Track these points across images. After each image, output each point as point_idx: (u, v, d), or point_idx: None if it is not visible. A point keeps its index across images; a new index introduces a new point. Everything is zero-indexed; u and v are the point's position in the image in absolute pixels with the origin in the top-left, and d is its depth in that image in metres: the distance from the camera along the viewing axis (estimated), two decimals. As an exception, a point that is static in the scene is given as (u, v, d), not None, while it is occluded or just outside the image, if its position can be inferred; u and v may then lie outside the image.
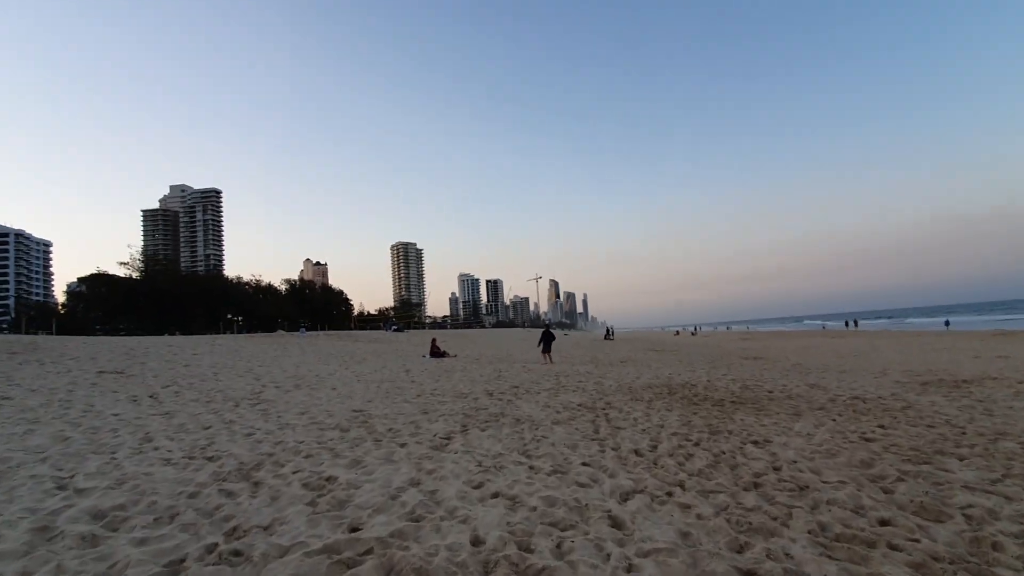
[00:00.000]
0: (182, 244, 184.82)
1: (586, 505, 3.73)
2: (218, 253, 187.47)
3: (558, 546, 3.10)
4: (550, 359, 18.76)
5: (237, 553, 2.98)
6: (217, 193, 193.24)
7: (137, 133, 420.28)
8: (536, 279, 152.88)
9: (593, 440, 5.88)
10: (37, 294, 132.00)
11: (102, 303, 63.27)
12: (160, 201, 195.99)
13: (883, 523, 3.44)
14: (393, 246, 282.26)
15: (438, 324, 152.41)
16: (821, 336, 45.41)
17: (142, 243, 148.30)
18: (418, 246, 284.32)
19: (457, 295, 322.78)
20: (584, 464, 4.85)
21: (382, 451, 5.27)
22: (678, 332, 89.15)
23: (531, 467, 4.76)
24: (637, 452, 5.32)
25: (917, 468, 4.60)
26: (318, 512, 3.61)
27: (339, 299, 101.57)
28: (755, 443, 5.68)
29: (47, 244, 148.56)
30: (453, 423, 6.82)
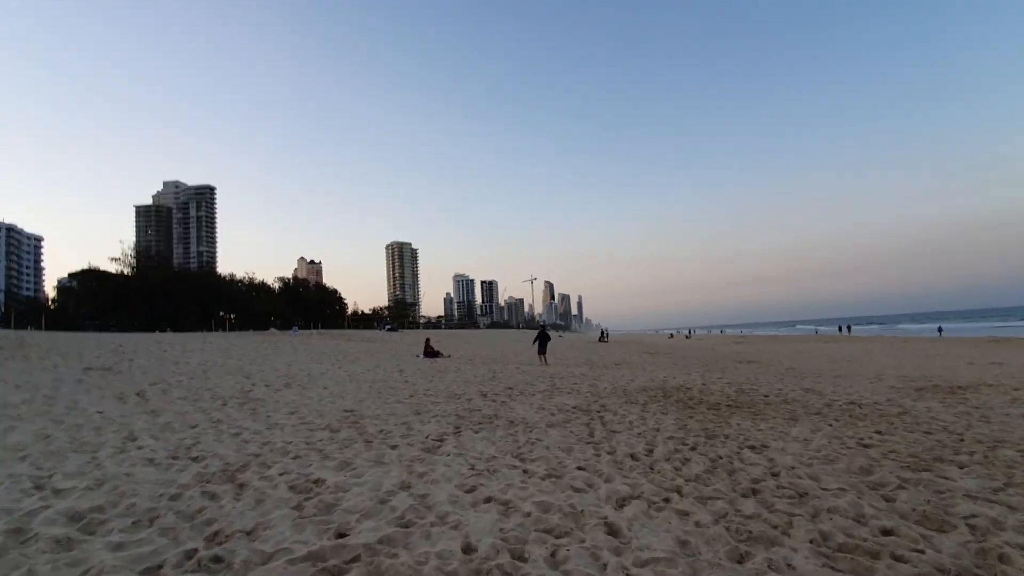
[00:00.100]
0: (175, 241, 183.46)
1: (581, 511, 3.62)
2: (211, 250, 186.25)
3: (552, 555, 2.99)
4: (545, 360, 18.66)
5: (217, 560, 2.86)
6: (211, 190, 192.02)
7: (131, 129, 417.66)
8: (531, 280, 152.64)
9: (588, 443, 5.78)
10: (28, 289, 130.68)
11: (93, 299, 62.65)
12: (153, 197, 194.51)
13: (886, 532, 3.35)
14: (388, 245, 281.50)
15: (432, 324, 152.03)
16: (814, 341, 45.56)
17: (134, 239, 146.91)
18: (413, 246, 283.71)
19: (452, 295, 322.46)
20: (579, 468, 4.74)
21: (372, 453, 5.14)
22: (672, 335, 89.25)
23: (525, 471, 4.64)
24: (633, 456, 5.22)
25: (917, 475, 4.52)
26: (304, 516, 3.48)
27: (333, 298, 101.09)
28: (752, 448, 5.59)
29: (38, 239, 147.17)
30: (446, 424, 6.70)
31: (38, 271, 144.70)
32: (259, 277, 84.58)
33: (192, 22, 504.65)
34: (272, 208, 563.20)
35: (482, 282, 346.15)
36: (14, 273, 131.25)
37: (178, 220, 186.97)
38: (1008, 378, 11.98)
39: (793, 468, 4.78)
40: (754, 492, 4.12)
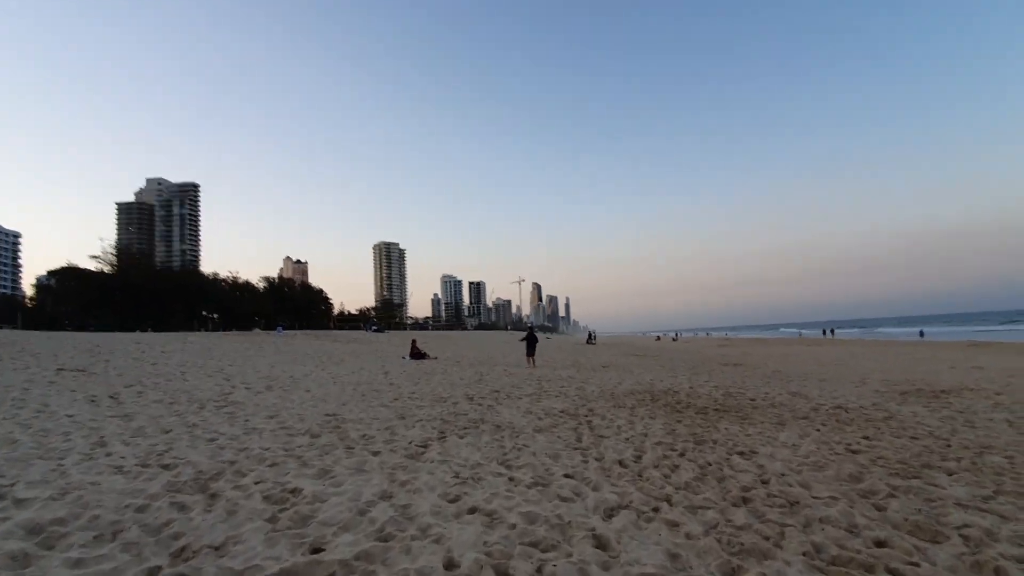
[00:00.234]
0: (157, 239, 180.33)
1: (569, 522, 3.49)
2: (194, 249, 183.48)
3: (539, 570, 2.86)
4: (533, 363, 18.55)
5: (181, 578, 2.68)
6: (195, 187, 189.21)
7: (114, 125, 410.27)
8: (519, 282, 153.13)
9: (576, 449, 5.66)
10: (4, 287, 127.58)
11: (72, 297, 61.38)
12: (136, 194, 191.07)
13: (879, 544, 3.28)
14: (375, 246, 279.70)
15: (419, 325, 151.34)
16: (798, 344, 46.02)
17: (115, 237, 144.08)
18: (401, 246, 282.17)
19: (439, 296, 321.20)
20: (567, 476, 4.62)
21: (353, 460, 4.97)
22: (659, 337, 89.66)
23: (511, 479, 4.51)
24: (621, 463, 5.12)
25: (907, 483, 4.47)
26: (278, 529, 3.31)
27: (319, 298, 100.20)
28: (741, 454, 5.52)
29: (15, 235, 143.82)
30: (430, 429, 6.54)
31: (15, 268, 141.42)
32: (244, 277, 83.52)
33: (178, 18, 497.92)
34: (258, 207, 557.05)
35: (470, 283, 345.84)
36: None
37: (161, 218, 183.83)
38: (989, 382, 12.11)
39: (783, 475, 4.71)
40: (745, 501, 4.03)
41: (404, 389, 10.60)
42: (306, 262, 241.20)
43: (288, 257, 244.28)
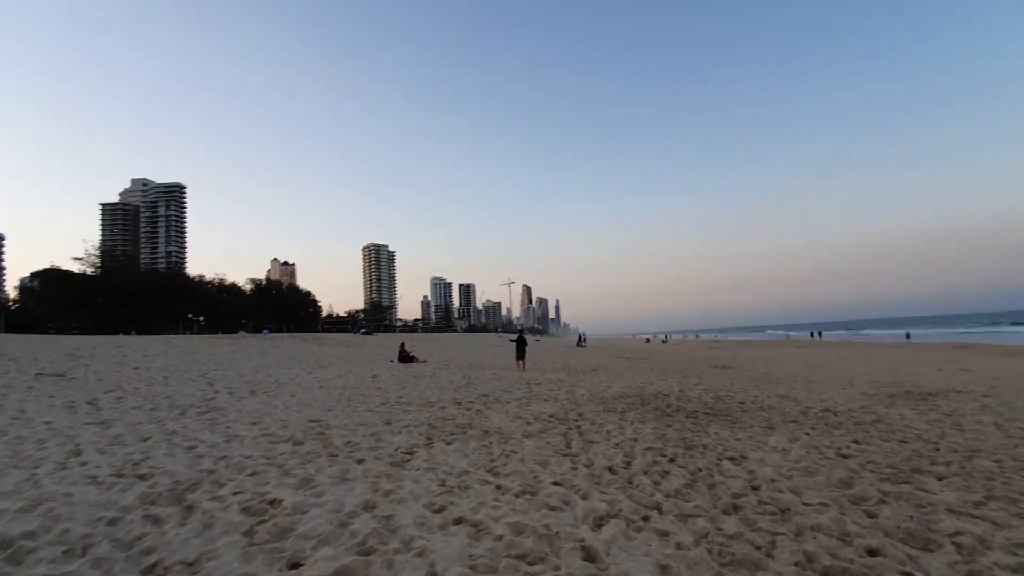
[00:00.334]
0: (142, 240, 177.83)
1: (557, 533, 3.40)
2: (180, 251, 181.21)
3: (525, 584, 2.76)
4: (523, 366, 18.44)
5: (150, 598, 2.55)
6: (181, 188, 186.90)
7: (99, 125, 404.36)
8: (509, 284, 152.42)
9: (565, 455, 5.57)
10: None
11: (55, 299, 60.25)
12: (121, 195, 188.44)
13: (872, 553, 3.22)
14: (364, 247, 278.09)
15: (409, 327, 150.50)
16: (786, 346, 46.43)
17: (100, 238, 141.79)
18: (390, 248, 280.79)
19: (429, 298, 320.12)
20: (555, 483, 4.53)
21: (336, 468, 4.83)
22: (649, 340, 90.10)
23: (498, 486, 4.41)
24: (611, 469, 5.04)
25: (897, 488, 4.44)
26: (255, 544, 3.18)
27: (307, 300, 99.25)
28: (731, 459, 5.47)
29: (0, 237, 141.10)
30: (417, 435, 6.41)
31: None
32: (231, 279, 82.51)
33: (165, 18, 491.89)
34: (245, 208, 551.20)
35: (460, 285, 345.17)
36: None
37: (146, 219, 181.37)
38: (976, 384, 12.23)
39: (773, 481, 4.66)
40: (735, 508, 3.97)
41: (392, 393, 10.45)
42: (294, 264, 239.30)
43: (276, 259, 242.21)
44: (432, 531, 3.41)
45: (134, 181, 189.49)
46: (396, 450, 5.60)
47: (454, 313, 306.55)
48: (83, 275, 63.93)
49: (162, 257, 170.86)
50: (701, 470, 5.04)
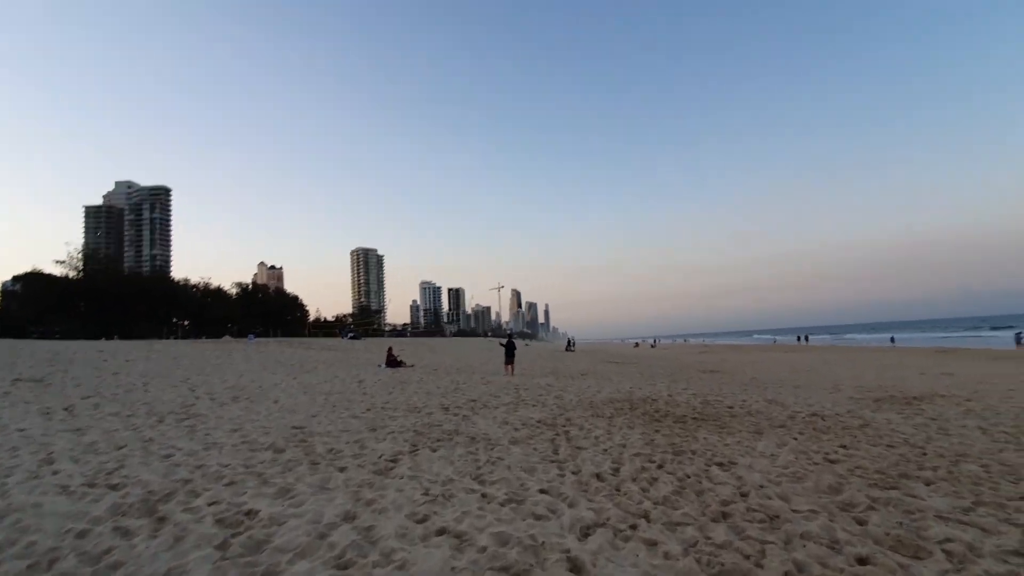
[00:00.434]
0: (126, 243, 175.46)
1: (543, 543, 3.31)
2: (165, 254, 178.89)
3: (509, 599, 2.67)
4: (511, 371, 18.33)
5: (112, 618, 2.42)
6: (167, 191, 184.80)
7: (83, 127, 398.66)
8: (498, 288, 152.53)
9: (552, 462, 5.48)
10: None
11: (36, 303, 59.04)
12: (104, 197, 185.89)
13: (861, 561, 3.17)
14: (353, 251, 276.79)
15: (397, 332, 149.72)
16: (773, 350, 46.79)
17: (83, 241, 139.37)
18: (379, 252, 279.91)
19: (418, 303, 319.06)
20: (542, 491, 4.43)
21: (317, 477, 4.70)
22: (638, 344, 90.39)
23: (484, 495, 4.30)
24: (599, 476, 4.95)
25: (886, 494, 4.41)
26: (227, 557, 3.05)
27: (294, 304, 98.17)
28: (720, 465, 5.41)
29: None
30: (402, 442, 6.28)
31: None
32: (216, 282, 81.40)
33: (150, 20, 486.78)
34: (233, 212, 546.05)
35: (449, 289, 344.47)
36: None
37: (130, 222, 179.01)
38: (959, 389, 12.35)
39: (762, 487, 4.60)
40: (724, 516, 3.90)
41: (378, 399, 10.29)
42: (281, 268, 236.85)
43: (263, 263, 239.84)
44: (414, 542, 3.30)
45: (118, 183, 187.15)
46: (380, 457, 5.47)
47: (443, 317, 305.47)
48: (65, 278, 62.79)
49: (146, 260, 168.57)
50: (690, 476, 4.97)
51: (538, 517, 3.81)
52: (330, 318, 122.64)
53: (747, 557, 3.21)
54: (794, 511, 4.00)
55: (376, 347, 37.54)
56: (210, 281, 79.33)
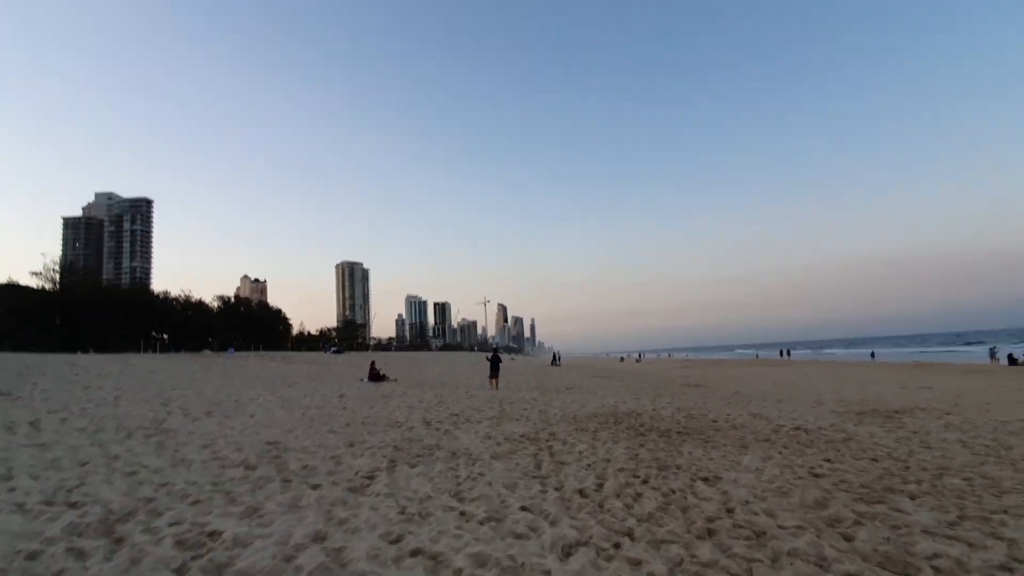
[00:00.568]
0: (106, 255, 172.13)
1: (522, 564, 3.17)
2: (146, 266, 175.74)
3: (485, 624, 2.52)
4: (496, 384, 18.14)
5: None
6: (148, 203, 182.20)
7: (62, 137, 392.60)
8: (485, 303, 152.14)
9: (535, 478, 5.34)
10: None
11: (10, 316, 57.35)
12: (84, 209, 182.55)
13: (850, 579, 3.08)
14: (339, 265, 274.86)
15: (382, 346, 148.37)
16: (755, 365, 47.15)
17: (60, 252, 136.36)
18: (365, 266, 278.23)
19: (404, 317, 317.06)
20: (523, 508, 4.29)
21: (288, 495, 4.49)
22: (623, 359, 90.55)
23: (462, 513, 4.14)
24: (582, 492, 4.82)
25: (871, 509, 4.35)
26: (185, 582, 2.86)
27: (277, 318, 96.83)
28: (705, 480, 5.32)
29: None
30: (380, 458, 6.08)
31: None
32: (199, 295, 79.97)
33: (132, 30, 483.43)
34: (216, 224, 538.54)
35: (435, 304, 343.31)
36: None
37: (110, 234, 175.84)
38: (938, 402, 12.48)
39: (748, 503, 4.52)
40: (710, 533, 3.80)
41: (358, 413, 10.05)
42: (265, 281, 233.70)
43: (246, 276, 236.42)
44: (386, 564, 3.13)
45: (99, 195, 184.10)
46: (356, 474, 5.27)
47: (429, 332, 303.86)
48: (41, 291, 61.26)
49: (126, 272, 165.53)
50: (675, 492, 4.87)
51: (518, 536, 3.66)
52: (314, 332, 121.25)
53: (733, 576, 3.10)
54: (780, 527, 3.91)
55: (359, 361, 37.04)
56: (191, 294, 77.98)
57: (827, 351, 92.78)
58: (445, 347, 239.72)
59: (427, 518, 4.00)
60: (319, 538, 3.49)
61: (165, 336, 72.31)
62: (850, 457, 6.45)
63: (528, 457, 6.33)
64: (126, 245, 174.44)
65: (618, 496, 4.71)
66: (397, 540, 3.51)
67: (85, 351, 49.53)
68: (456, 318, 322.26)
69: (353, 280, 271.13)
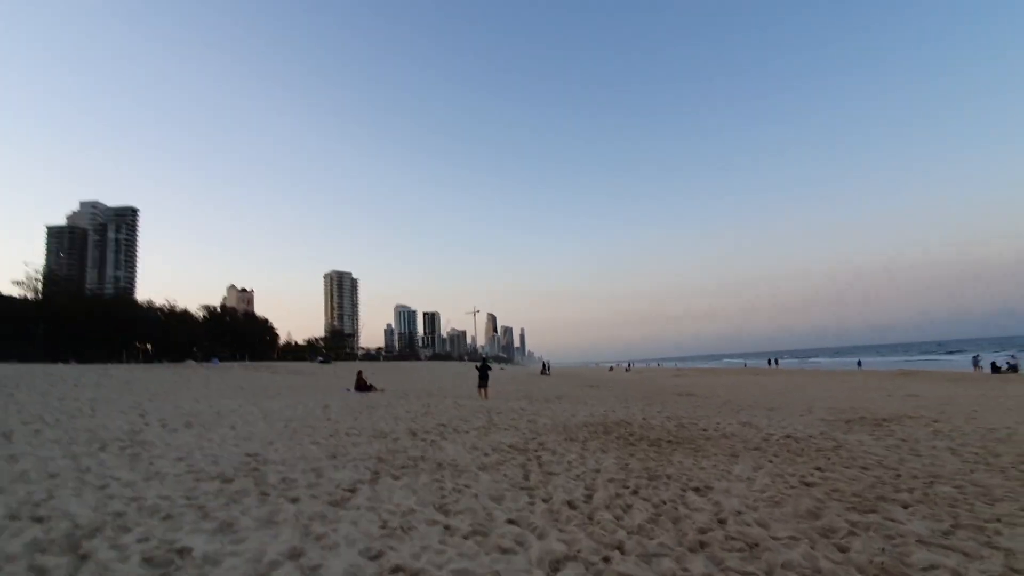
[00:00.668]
0: (89, 264, 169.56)
1: (507, 580, 3.03)
2: (130, 275, 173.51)
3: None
4: (485, 394, 17.96)
5: None
6: (133, 211, 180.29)
7: (47, 145, 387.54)
8: (474, 312, 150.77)
9: (522, 489, 5.19)
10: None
11: (-7, 325, 56.21)
12: (68, 217, 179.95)
13: (846, 592, 2.98)
14: (327, 275, 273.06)
15: (371, 356, 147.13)
16: (744, 373, 47.36)
17: (43, 261, 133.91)
18: (353, 275, 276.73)
19: (393, 327, 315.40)
20: (510, 521, 4.14)
21: (265, 509, 4.30)
22: (612, 368, 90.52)
23: (446, 527, 3.99)
24: (571, 504, 4.69)
25: (865, 518, 4.26)
26: (149, 604, 2.69)
27: (263, 328, 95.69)
28: (696, 490, 5.22)
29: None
30: (363, 470, 5.90)
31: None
32: (184, 305, 78.90)
33: (119, 40, 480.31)
34: (203, 233, 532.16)
35: (424, 313, 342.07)
36: None
37: (95, 243, 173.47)
38: (926, 410, 12.51)
39: (740, 513, 4.41)
40: (702, 545, 3.68)
41: (343, 424, 9.83)
42: (252, 291, 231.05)
43: (232, 285, 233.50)
44: (364, 583, 2.98)
45: (83, 204, 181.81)
46: (337, 487, 5.08)
47: (418, 341, 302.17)
48: (23, 300, 60.17)
49: (110, 282, 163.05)
50: (665, 503, 4.76)
51: (504, 551, 3.52)
52: (301, 342, 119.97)
53: (726, 590, 2.99)
54: (774, 538, 3.81)
55: (346, 371, 36.59)
56: (175, 303, 76.95)
57: (813, 360, 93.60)
58: (435, 357, 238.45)
59: (409, 532, 3.84)
60: (295, 555, 3.32)
61: (148, 346, 71.10)
62: (841, 466, 6.39)
63: (516, 468, 6.18)
64: (110, 254, 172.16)
65: (608, 507, 4.59)
66: (377, 556, 3.35)
67: (66, 361, 48.49)
68: (445, 328, 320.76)
69: (342, 290, 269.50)
